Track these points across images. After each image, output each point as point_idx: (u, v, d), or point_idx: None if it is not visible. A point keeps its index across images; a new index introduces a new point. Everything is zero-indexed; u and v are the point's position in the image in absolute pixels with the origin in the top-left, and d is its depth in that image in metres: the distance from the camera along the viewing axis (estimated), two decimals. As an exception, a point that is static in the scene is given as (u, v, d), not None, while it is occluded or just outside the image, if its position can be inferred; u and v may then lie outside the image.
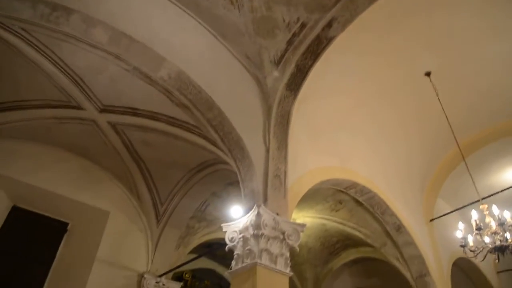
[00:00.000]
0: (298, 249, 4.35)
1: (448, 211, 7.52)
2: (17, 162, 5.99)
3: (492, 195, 6.06)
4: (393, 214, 6.87)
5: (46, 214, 6.40)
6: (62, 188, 6.25)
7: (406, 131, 6.75)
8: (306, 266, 8.49)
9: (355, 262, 8.67)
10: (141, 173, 6.51)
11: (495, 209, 5.08)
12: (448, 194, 8.02)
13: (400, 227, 7.00)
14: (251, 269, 3.90)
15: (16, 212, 6.16)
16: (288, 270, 4.15)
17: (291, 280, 8.29)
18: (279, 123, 4.98)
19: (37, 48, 4.61)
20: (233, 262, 4.17)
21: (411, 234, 7.03)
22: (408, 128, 6.70)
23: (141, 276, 6.34)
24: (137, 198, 6.79)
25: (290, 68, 4.84)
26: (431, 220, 7.70)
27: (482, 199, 5.39)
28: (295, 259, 8.13)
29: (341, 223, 7.43)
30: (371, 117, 6.19)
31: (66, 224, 6.53)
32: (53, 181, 6.19)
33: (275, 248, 4.07)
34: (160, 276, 6.43)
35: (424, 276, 7.07)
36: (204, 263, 8.30)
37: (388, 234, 7.12)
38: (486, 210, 5.22)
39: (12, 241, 5.99)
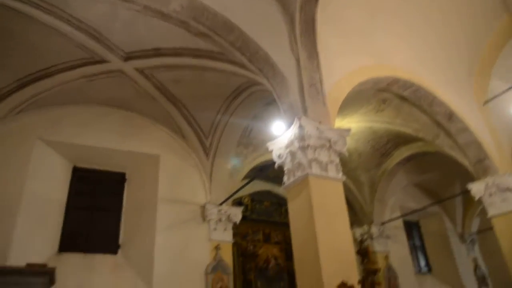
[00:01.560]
0: (346, 154, 4.33)
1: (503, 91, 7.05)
2: (64, 126, 6.26)
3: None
4: (442, 104, 6.56)
5: (104, 169, 6.81)
6: (111, 142, 6.52)
7: (446, 9, 6.16)
8: (360, 171, 8.54)
9: (408, 159, 8.57)
10: (179, 112, 6.59)
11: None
12: (501, 73, 7.46)
13: (451, 115, 6.72)
14: (303, 181, 3.97)
15: (78, 172, 6.61)
16: (340, 175, 4.18)
17: (347, 186, 8.47)
18: (304, 31, 4.72)
19: (45, 9, 4.52)
20: (285, 177, 4.26)
21: (464, 121, 6.76)
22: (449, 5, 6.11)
23: (203, 207, 6.74)
24: (182, 137, 6.97)
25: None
26: (485, 103, 7.29)
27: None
28: (348, 166, 8.20)
29: (388, 123, 7.23)
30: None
31: (124, 174, 6.94)
32: (101, 137, 6.45)
33: (323, 156, 4.08)
34: (220, 204, 6.79)
35: (483, 160, 6.89)
36: (260, 186, 8.61)
37: (439, 124, 6.88)
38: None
39: (82, 198, 6.50)
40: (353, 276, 3.67)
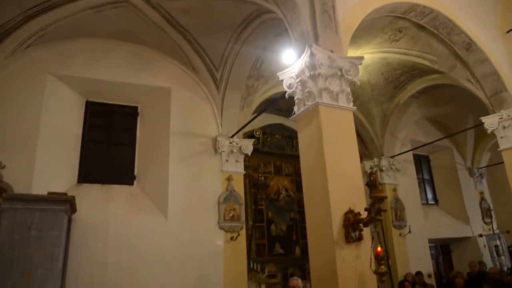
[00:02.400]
0: (358, 83, 4.26)
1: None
2: (75, 61, 6.22)
3: None
4: (461, 32, 6.25)
5: (116, 103, 6.87)
6: (122, 76, 6.49)
7: None
8: (372, 104, 8.43)
9: (422, 92, 8.39)
10: (189, 44, 6.44)
11: None
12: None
13: (470, 45, 6.44)
14: (313, 110, 3.96)
15: (91, 106, 6.69)
16: (351, 105, 4.15)
17: (358, 120, 8.45)
18: (317, -47, 4.39)
19: None
20: (295, 107, 4.25)
21: (483, 51, 6.47)
22: None
23: (214, 140, 6.84)
24: (192, 70, 6.89)
25: None
26: (508, 31, 6.91)
27: None
28: (360, 99, 8.11)
29: (403, 53, 6.97)
30: None
31: (136, 107, 7.01)
32: (112, 71, 6.42)
33: (334, 85, 4.02)
34: (232, 136, 6.88)
35: (499, 92, 6.71)
36: (272, 119, 8.64)
37: (457, 55, 6.62)
38: None
39: (97, 132, 6.64)
40: (361, 204, 3.79)
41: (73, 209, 5.24)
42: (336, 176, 3.77)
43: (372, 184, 3.63)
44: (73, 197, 4.91)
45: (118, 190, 6.39)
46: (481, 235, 10.60)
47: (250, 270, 6.91)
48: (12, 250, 4.18)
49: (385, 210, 3.60)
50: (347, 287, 3.49)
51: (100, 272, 5.55)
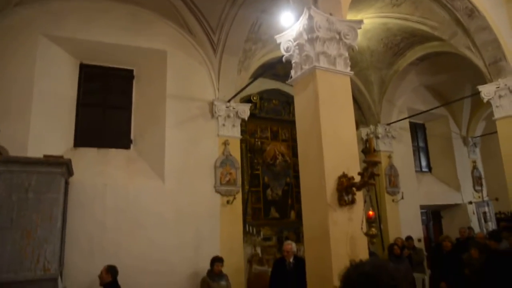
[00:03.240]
0: (357, 48, 4.20)
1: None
2: (68, 21, 6.05)
3: None
4: (464, -3, 6.12)
5: (111, 65, 6.77)
6: (117, 37, 6.35)
7: None
8: (370, 70, 8.35)
9: (421, 59, 8.31)
10: (186, 6, 6.28)
11: None
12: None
13: (472, 11, 6.33)
14: (310, 74, 3.92)
15: (85, 69, 6.59)
16: (348, 69, 4.11)
17: (356, 86, 8.40)
18: None
19: None
20: (292, 71, 4.20)
21: (486, 17, 6.37)
22: None
23: (211, 104, 6.80)
24: (189, 33, 6.73)
25: None
26: (513, -4, 6.77)
27: None
28: (359, 65, 8.02)
29: (404, 19, 6.83)
30: None
31: (131, 70, 6.91)
32: (106, 32, 6.27)
33: (332, 49, 3.96)
34: (229, 101, 6.84)
35: (498, 61, 6.67)
36: (269, 84, 8.56)
37: (458, 22, 6.51)
38: None
39: (92, 96, 6.59)
40: (355, 168, 3.83)
41: (70, 172, 5.28)
42: (331, 141, 3.80)
43: (366, 149, 3.67)
44: (69, 160, 4.93)
45: (115, 154, 6.42)
46: (470, 202, 10.87)
47: (246, 233, 7.09)
48: (11, 211, 4.23)
49: (378, 175, 3.66)
50: (339, 248, 3.60)
51: (99, 234, 5.68)
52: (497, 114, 6.73)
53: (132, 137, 6.67)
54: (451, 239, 6.95)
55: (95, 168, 6.07)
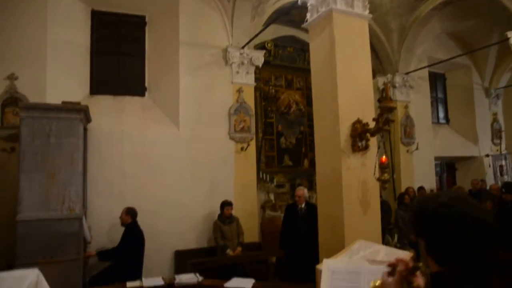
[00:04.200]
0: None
1: None
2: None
3: None
4: None
5: (123, 12, 6.66)
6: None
7: None
8: (390, 16, 7.95)
9: (445, 4, 7.80)
10: None
11: None
12: None
13: None
14: (327, 17, 3.79)
15: (97, 16, 6.52)
16: (366, 12, 3.95)
17: (374, 33, 8.07)
18: None
19: None
20: (308, 14, 4.07)
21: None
22: None
23: (225, 50, 6.69)
24: (200, -24, 6.51)
25: None
26: None
27: None
28: (378, 10, 7.63)
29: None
30: None
31: (144, 17, 6.80)
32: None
33: (351, -10, 3.79)
34: (242, 47, 6.71)
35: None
36: (284, 30, 8.29)
37: (488, -40, 6.08)
38: None
39: (105, 44, 6.58)
40: (369, 115, 3.80)
41: (88, 119, 5.39)
42: (346, 86, 3.75)
43: (382, 98, 3.62)
44: (86, 107, 5.02)
45: (130, 101, 6.50)
46: (487, 155, 10.73)
47: (259, 180, 7.24)
48: (35, 155, 4.41)
49: (393, 121, 3.64)
50: (351, 193, 3.68)
51: (118, 179, 5.90)
52: (524, 63, 6.46)
53: (146, 84, 6.70)
54: (464, 190, 6.96)
55: (112, 115, 6.19)
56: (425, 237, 1.18)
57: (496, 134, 11.21)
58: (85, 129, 5.32)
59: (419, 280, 1.40)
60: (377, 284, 1.50)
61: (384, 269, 1.48)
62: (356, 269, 2.21)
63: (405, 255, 2.45)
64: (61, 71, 5.85)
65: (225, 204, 5.94)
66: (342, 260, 2.43)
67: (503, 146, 11.05)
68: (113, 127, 6.01)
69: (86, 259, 4.93)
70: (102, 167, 5.80)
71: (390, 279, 1.37)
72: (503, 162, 10.71)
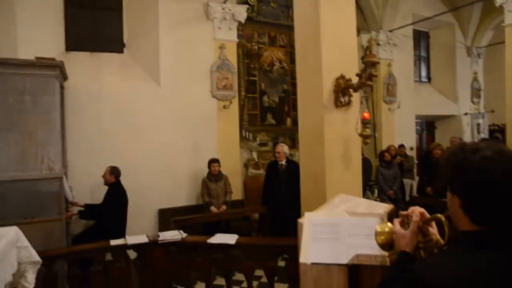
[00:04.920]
0: None
1: None
2: None
3: None
4: None
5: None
6: None
7: None
8: (376, -30, 7.78)
9: (432, -42, 7.67)
10: None
11: None
12: None
13: None
14: (312, -33, 3.64)
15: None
16: (352, -37, 3.80)
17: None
18: None
19: None
20: (292, -35, 3.90)
21: None
22: None
23: (206, 5, 6.44)
24: None
25: None
26: None
27: None
28: (363, -36, 7.44)
29: None
30: None
31: (120, -33, 6.44)
32: None
33: None
34: (224, 2, 6.47)
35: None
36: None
37: None
38: None
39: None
40: (353, 71, 3.76)
41: (64, 76, 5.20)
42: (330, 42, 3.67)
43: (366, 55, 3.56)
44: (62, 62, 4.81)
45: (108, 58, 6.28)
46: (466, 114, 10.96)
47: (242, 138, 7.24)
48: (10, 114, 4.26)
49: (376, 76, 3.61)
50: (333, 148, 3.70)
51: (98, 138, 5.81)
52: (508, 20, 6.48)
53: (125, 41, 6.45)
54: (442, 147, 7.12)
55: (90, 73, 5.99)
56: (462, 194, 1.07)
57: (475, 93, 11.42)
58: (62, 87, 5.13)
59: (435, 232, 1.32)
60: (386, 229, 1.43)
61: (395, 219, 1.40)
62: (336, 221, 2.26)
63: (385, 207, 2.52)
64: (32, 26, 5.56)
65: (211, 161, 5.98)
66: (323, 213, 2.47)
67: (482, 105, 11.29)
68: (91, 85, 5.84)
69: (69, 220, 4.92)
70: (82, 126, 5.68)
71: (402, 230, 1.33)
72: (481, 121, 11.00)
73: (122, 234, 4.63)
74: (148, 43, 6.25)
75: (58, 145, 4.52)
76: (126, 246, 4.07)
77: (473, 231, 1.06)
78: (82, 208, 5.07)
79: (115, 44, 6.42)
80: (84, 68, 5.95)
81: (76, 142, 5.61)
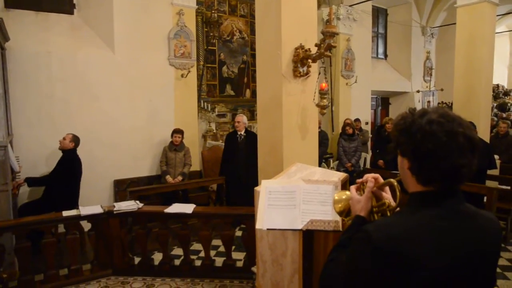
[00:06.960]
0: None
1: None
2: None
3: None
4: None
5: None
6: None
7: None
8: None
9: None
10: None
11: None
12: None
13: None
14: None
15: None
16: None
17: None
18: None
19: None
20: None
21: None
22: None
23: (163, -33, 6.14)
24: None
25: None
26: None
27: None
28: None
29: None
30: None
31: None
32: None
33: None
34: (183, -35, 6.19)
35: None
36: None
37: None
38: None
39: None
40: (312, 41, 3.76)
41: (5, 36, 4.79)
42: (290, 12, 3.62)
43: (325, 32, 3.56)
44: (1, 19, 4.42)
45: (57, 19, 5.84)
46: (418, 91, 11.45)
47: (200, 109, 7.12)
48: None
49: (335, 46, 3.63)
50: (290, 118, 3.73)
51: (47, 105, 5.48)
52: (460, 2, 6.71)
53: (75, 1, 6.01)
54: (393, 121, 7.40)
55: (36, 35, 5.56)
56: (410, 156, 1.09)
57: (427, 71, 11.92)
58: (2, 48, 4.74)
59: (388, 196, 1.36)
60: (343, 197, 1.47)
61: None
62: (292, 188, 2.29)
63: (340, 175, 2.58)
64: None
65: (174, 131, 5.93)
66: (279, 181, 2.50)
67: (432, 83, 11.83)
68: (38, 48, 5.43)
69: (16, 190, 4.66)
70: (28, 91, 5.32)
71: (358, 196, 1.38)
72: (431, 98, 11.55)
73: (75, 205, 4.47)
74: (100, 5, 5.87)
75: (0, 110, 4.21)
76: (79, 217, 3.96)
77: (419, 191, 1.10)
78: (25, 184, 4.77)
79: (64, 4, 5.96)
80: (29, 28, 5.51)
81: (22, 108, 5.25)
